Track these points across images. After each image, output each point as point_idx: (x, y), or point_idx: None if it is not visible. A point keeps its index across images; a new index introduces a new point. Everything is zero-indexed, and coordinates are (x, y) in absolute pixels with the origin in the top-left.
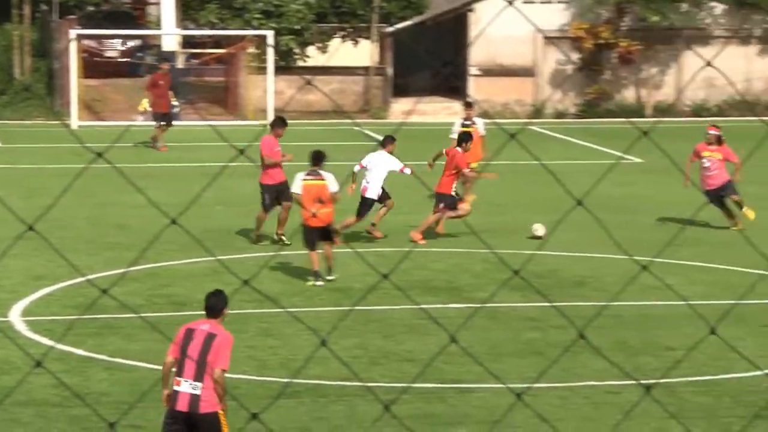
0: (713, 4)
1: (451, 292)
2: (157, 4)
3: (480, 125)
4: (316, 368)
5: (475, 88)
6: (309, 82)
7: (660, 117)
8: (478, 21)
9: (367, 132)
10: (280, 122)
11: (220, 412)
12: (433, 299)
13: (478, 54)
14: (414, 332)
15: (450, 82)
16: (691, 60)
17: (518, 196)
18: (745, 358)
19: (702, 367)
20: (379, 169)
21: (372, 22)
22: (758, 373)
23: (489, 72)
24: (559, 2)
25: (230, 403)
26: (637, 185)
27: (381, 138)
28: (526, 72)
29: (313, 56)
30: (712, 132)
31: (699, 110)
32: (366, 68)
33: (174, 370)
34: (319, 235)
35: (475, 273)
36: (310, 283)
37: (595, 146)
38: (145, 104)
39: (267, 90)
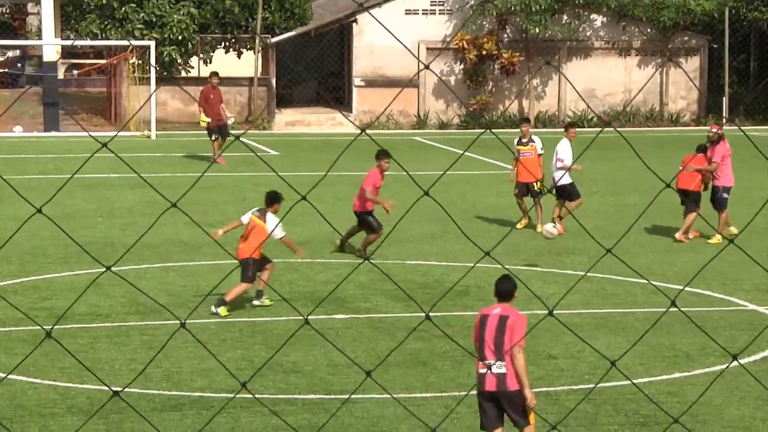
0: (593, 16)
1: (336, 303)
2: (37, 14)
3: (538, 144)
4: (200, 380)
5: (359, 98)
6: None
7: (542, 128)
8: (361, 32)
9: (247, 143)
10: (384, 154)
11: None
12: (319, 310)
13: (362, 65)
14: (299, 343)
15: (335, 92)
16: (573, 71)
17: (402, 206)
18: (624, 372)
19: (584, 376)
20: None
21: (255, 32)
22: (640, 380)
23: (373, 83)
24: (441, 13)
25: (113, 417)
26: None
27: (264, 149)
28: (409, 83)
29: (196, 67)
30: (714, 130)
31: (580, 121)
32: (250, 79)
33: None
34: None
35: (360, 284)
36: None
37: (478, 157)
38: (204, 118)
39: (150, 101)
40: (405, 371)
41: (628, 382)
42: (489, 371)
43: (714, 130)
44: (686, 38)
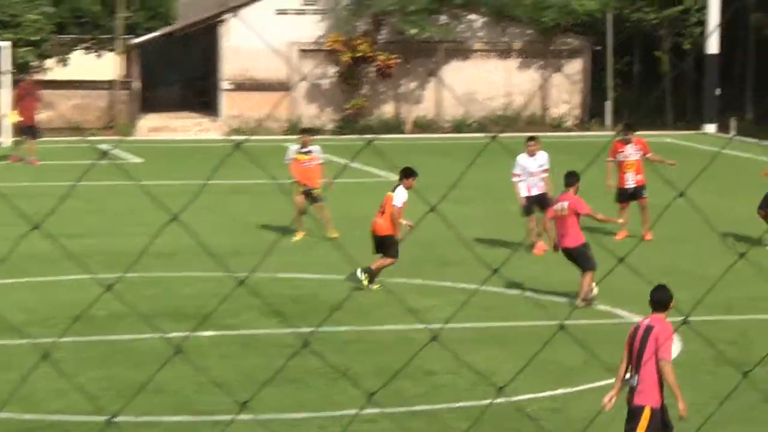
0: (472, 16)
1: (203, 319)
2: None
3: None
4: (56, 402)
5: (228, 102)
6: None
7: (420, 133)
8: (229, 32)
9: (107, 149)
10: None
11: (650, 407)
12: (183, 326)
13: (230, 67)
14: (163, 361)
15: (201, 96)
16: (451, 74)
17: (272, 216)
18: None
19: (463, 392)
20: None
21: (116, 33)
22: (521, 397)
23: (242, 86)
24: (314, 13)
25: None
26: None
27: (127, 156)
28: (281, 86)
29: (53, 69)
30: None
31: (460, 126)
32: (110, 82)
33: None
34: None
35: (229, 298)
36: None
37: (353, 164)
38: (14, 116)
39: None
40: (277, 390)
41: (512, 398)
42: (629, 383)
43: None
44: (569, 40)
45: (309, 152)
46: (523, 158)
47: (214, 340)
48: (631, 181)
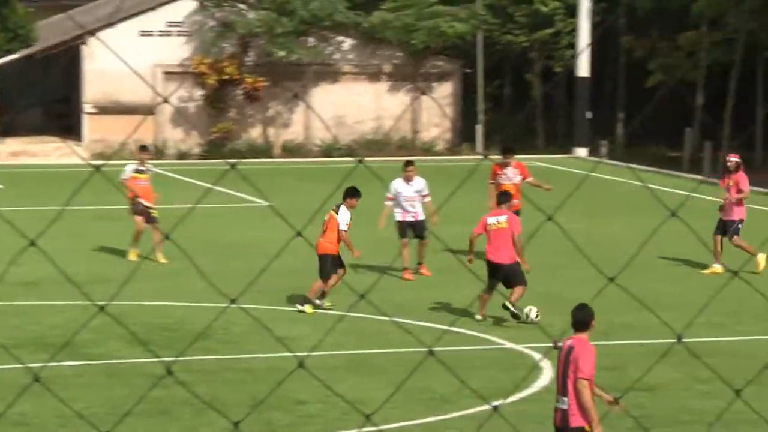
0: (340, 38)
1: (67, 349)
2: None
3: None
4: None
5: (90, 126)
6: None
7: (288, 157)
8: (92, 54)
9: None
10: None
11: (587, 428)
12: (46, 357)
13: (93, 90)
14: (28, 393)
15: (63, 120)
16: (321, 97)
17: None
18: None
19: (335, 422)
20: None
21: None
22: (392, 425)
23: (105, 110)
24: (179, 35)
25: None
26: (265, 229)
27: None
28: (146, 110)
29: None
30: (733, 159)
31: (329, 150)
32: None
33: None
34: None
35: (93, 327)
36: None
37: (220, 188)
38: None
39: None
40: (145, 421)
41: (382, 427)
42: (557, 405)
43: (733, 159)
44: (439, 63)
45: (146, 171)
46: (398, 183)
47: (78, 371)
48: None
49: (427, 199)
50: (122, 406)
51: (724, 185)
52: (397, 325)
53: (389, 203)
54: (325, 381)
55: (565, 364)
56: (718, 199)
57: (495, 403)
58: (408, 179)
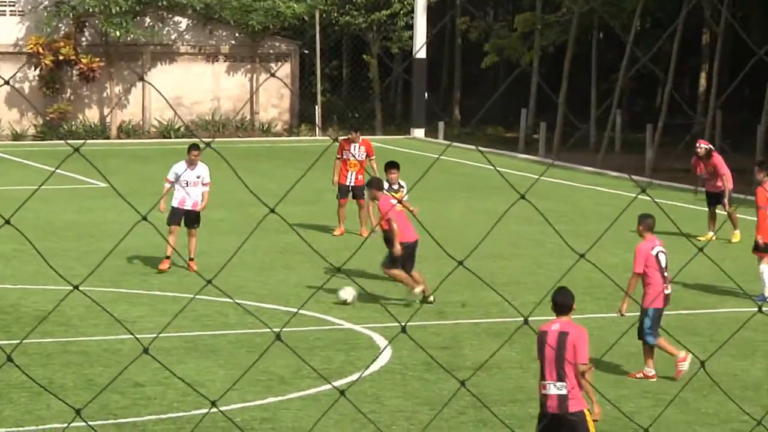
0: (177, 18)
1: None
2: None
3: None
4: None
5: None
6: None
7: (125, 138)
8: None
9: None
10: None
11: (586, 410)
12: None
13: None
14: None
15: None
16: (158, 78)
17: None
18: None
19: (173, 404)
20: None
21: None
22: (231, 407)
23: None
24: (12, 14)
25: None
26: (101, 210)
27: None
28: None
29: None
30: (703, 146)
31: (166, 131)
32: None
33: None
34: None
35: None
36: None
37: (58, 170)
38: None
39: None
40: None
41: (221, 408)
42: (550, 392)
43: (703, 146)
44: (276, 43)
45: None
46: (179, 166)
47: None
48: (351, 179)
49: (205, 188)
50: None
51: (702, 171)
52: (238, 305)
53: (167, 185)
54: (163, 363)
55: (559, 349)
56: (552, 180)
57: (334, 384)
58: (191, 163)
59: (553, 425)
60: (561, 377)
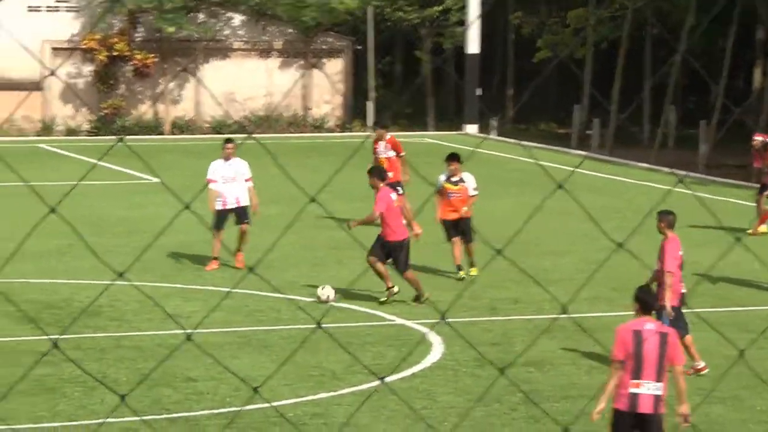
0: (231, 15)
1: None
2: None
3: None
4: None
5: None
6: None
7: (179, 134)
8: None
9: None
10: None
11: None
12: None
13: None
14: None
15: None
16: (211, 74)
17: (22, 219)
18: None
19: (225, 399)
20: None
21: None
22: (284, 402)
23: None
24: (68, 10)
25: None
26: (155, 206)
27: None
28: (33, 86)
29: None
30: (758, 138)
31: (219, 127)
32: None
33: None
34: None
35: None
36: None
37: (110, 165)
38: None
39: None
40: (31, 399)
41: (274, 403)
42: (643, 392)
43: (758, 138)
44: (329, 39)
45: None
46: (216, 163)
47: None
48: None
49: (249, 183)
50: (8, 385)
51: (760, 164)
52: (289, 301)
53: (212, 185)
54: (216, 358)
55: (661, 349)
56: (606, 176)
57: (386, 380)
58: (226, 158)
59: (637, 424)
60: (660, 377)
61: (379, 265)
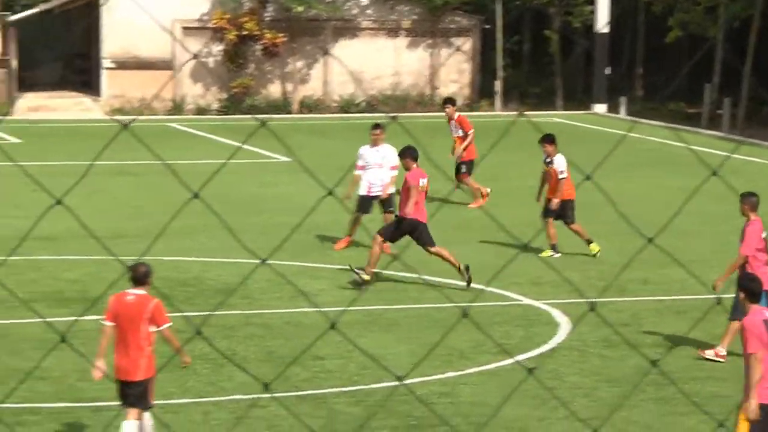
0: None
1: (86, 304)
2: None
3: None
4: None
5: (109, 82)
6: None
7: (307, 113)
8: (111, 9)
9: None
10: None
11: None
12: (65, 311)
13: (112, 45)
14: (45, 348)
15: (82, 75)
16: (339, 53)
17: (155, 197)
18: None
19: (353, 377)
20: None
21: None
22: (411, 381)
23: (124, 65)
24: None
25: None
26: (284, 185)
27: (4, 136)
28: (165, 65)
29: None
30: None
31: (347, 106)
32: None
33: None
34: None
35: (113, 282)
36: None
37: (239, 144)
38: None
39: None
40: (162, 376)
41: (401, 382)
42: None
43: None
44: (457, 18)
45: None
46: (364, 149)
47: (99, 326)
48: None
49: (393, 171)
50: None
51: None
52: (423, 281)
53: (359, 172)
54: (342, 337)
55: None
56: (740, 156)
57: (515, 358)
58: (374, 143)
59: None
60: None
61: (378, 248)
